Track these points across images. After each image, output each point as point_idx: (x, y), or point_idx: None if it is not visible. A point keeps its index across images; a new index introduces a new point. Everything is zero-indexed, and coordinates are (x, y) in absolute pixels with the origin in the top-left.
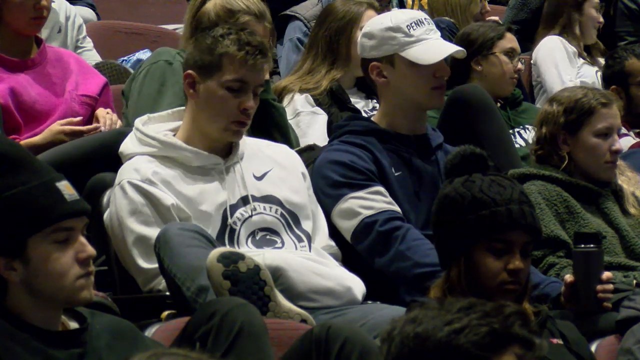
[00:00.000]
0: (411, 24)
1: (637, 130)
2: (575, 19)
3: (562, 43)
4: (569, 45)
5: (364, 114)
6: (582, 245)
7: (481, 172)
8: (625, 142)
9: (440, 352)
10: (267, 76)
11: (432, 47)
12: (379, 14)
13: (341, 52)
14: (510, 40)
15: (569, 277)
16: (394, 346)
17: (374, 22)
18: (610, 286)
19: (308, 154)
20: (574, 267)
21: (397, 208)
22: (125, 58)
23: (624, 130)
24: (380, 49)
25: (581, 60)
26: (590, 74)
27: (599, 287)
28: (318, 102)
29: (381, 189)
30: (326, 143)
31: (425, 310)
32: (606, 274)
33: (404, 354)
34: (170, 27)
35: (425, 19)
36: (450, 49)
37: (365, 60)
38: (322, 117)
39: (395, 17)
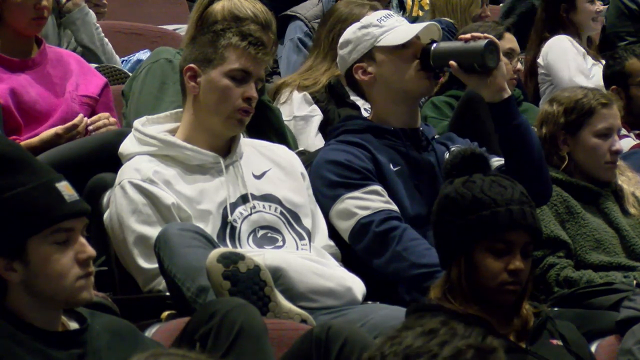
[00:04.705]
0: (381, 17)
1: (638, 132)
2: (571, 17)
3: (571, 42)
4: (578, 46)
5: (363, 112)
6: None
7: (482, 172)
8: (626, 144)
9: None
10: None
11: (405, 29)
12: None
13: None
14: (509, 41)
15: (453, 64)
16: None
17: (346, 33)
18: (469, 36)
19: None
20: (445, 58)
21: (394, 207)
22: (125, 58)
23: (624, 132)
24: (357, 49)
25: (590, 61)
26: (599, 75)
27: (464, 37)
28: (316, 100)
29: (378, 188)
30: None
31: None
32: (462, 36)
33: None
34: (170, 27)
35: (394, 14)
36: (422, 25)
37: (348, 70)
38: (316, 119)
39: (365, 18)
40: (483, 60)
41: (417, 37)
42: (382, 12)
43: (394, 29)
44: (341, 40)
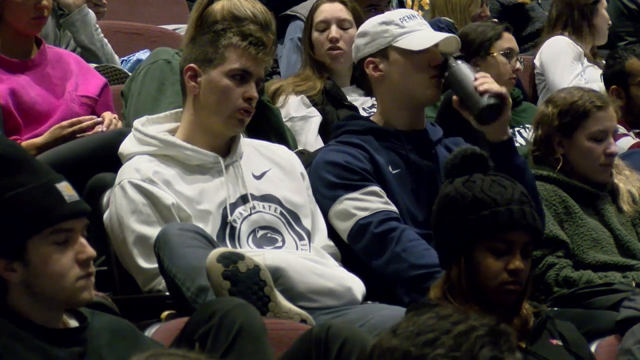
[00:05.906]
0: (404, 17)
1: (637, 130)
2: (585, 20)
3: (568, 43)
4: (576, 46)
5: (362, 112)
6: (455, 62)
7: (482, 172)
8: (625, 142)
9: None
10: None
11: (425, 35)
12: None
13: (318, 56)
14: (508, 41)
15: (455, 99)
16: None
17: (367, 23)
18: (486, 79)
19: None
20: (452, 86)
21: (393, 208)
22: (125, 58)
23: (623, 130)
24: (373, 44)
25: (586, 62)
26: (595, 77)
27: (476, 82)
28: (314, 102)
29: (377, 189)
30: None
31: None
32: (480, 74)
33: None
34: (170, 27)
35: (417, 15)
36: (443, 35)
37: (361, 60)
38: (314, 120)
39: (388, 14)
40: (480, 115)
41: (435, 44)
42: (406, 12)
43: (414, 32)
44: (360, 29)
